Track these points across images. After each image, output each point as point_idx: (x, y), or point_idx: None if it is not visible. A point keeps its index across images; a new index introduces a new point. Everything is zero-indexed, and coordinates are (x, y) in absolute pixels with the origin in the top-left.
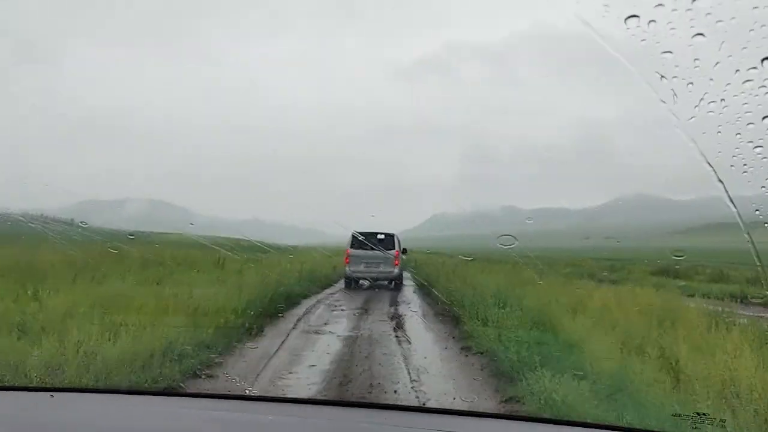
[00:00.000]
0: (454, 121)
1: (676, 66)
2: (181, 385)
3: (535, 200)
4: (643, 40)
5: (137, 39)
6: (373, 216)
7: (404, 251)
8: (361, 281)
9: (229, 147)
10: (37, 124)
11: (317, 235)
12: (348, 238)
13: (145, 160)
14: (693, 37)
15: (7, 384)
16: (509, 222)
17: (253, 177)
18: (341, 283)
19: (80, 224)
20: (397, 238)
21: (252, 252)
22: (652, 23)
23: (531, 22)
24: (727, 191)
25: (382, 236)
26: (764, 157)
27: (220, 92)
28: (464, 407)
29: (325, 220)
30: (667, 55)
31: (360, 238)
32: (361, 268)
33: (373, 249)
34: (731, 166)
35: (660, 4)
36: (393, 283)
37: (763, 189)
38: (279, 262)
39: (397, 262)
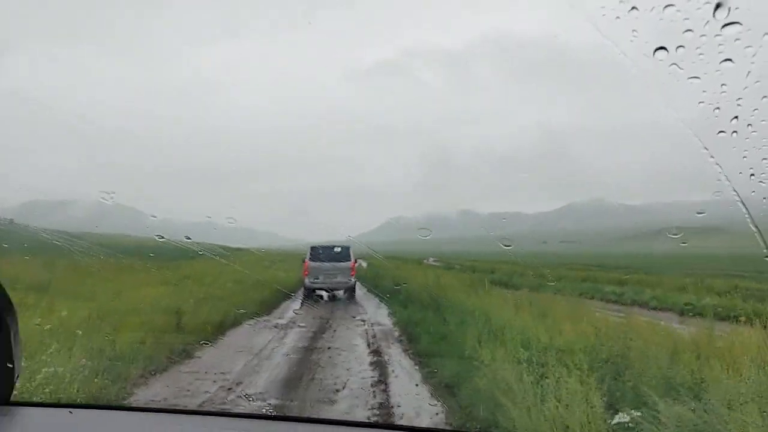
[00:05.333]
0: (411, 124)
1: (704, 91)
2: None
3: (491, 204)
4: (672, 64)
5: (84, 36)
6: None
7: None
8: (318, 292)
9: (181, 148)
10: None
11: (273, 238)
12: (304, 244)
13: (94, 160)
14: (721, 63)
15: (25, 400)
16: (466, 226)
17: (207, 178)
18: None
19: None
20: (351, 249)
21: (183, 257)
22: (681, 48)
23: (490, 28)
24: (751, 215)
25: (339, 248)
26: None
27: (172, 93)
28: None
29: (281, 223)
30: (694, 80)
31: (318, 251)
32: (320, 278)
33: (329, 261)
34: (752, 191)
35: (689, 30)
36: (347, 293)
37: None
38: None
39: (353, 272)
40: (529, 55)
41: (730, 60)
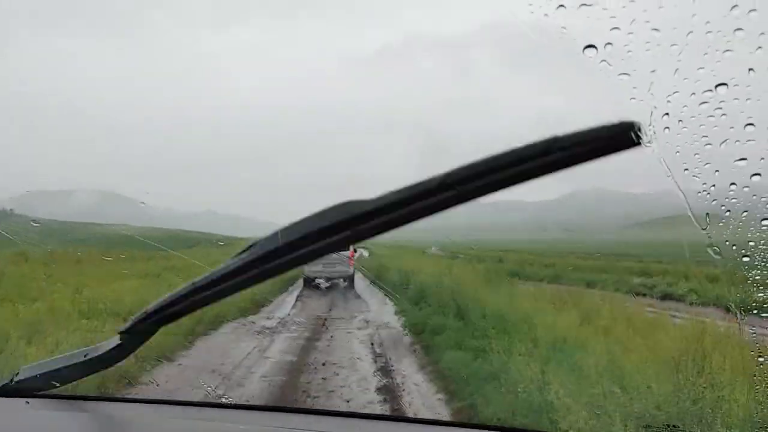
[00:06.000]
0: (411, 112)
1: (634, 88)
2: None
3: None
4: (603, 61)
5: (84, 27)
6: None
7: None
8: (317, 280)
9: (182, 137)
10: None
11: (275, 228)
12: None
13: (95, 150)
14: (650, 60)
15: None
16: (464, 214)
17: (208, 168)
18: None
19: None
20: None
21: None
22: (609, 46)
23: (490, 14)
24: (690, 209)
25: None
26: (716, 170)
27: (172, 81)
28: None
29: (281, 212)
30: (624, 77)
31: None
32: (319, 267)
33: None
34: (698, 197)
35: (616, 28)
36: (346, 281)
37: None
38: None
39: (351, 262)
40: (529, 42)
41: (655, 58)
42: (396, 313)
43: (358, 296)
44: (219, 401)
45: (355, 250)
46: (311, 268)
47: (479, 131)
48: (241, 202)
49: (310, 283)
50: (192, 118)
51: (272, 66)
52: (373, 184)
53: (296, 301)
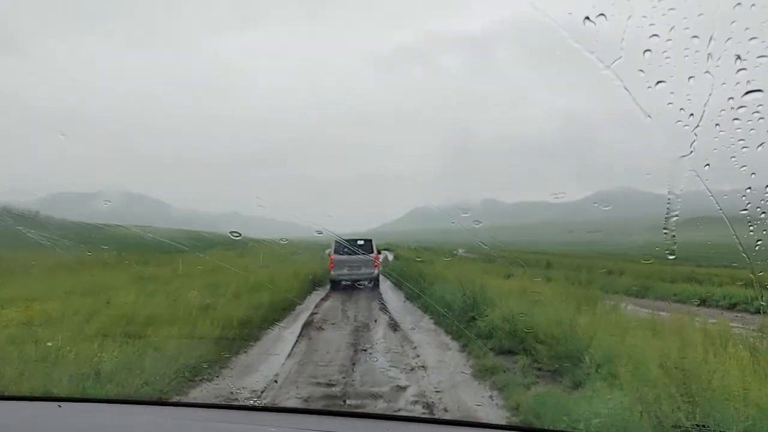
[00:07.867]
0: (434, 112)
1: (672, 93)
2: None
3: (516, 193)
4: (641, 71)
5: (107, 29)
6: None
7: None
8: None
9: (204, 138)
10: (4, 114)
11: (296, 228)
12: (326, 235)
13: (120, 152)
14: (689, 66)
15: (14, 394)
16: (490, 215)
17: (231, 169)
18: None
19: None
20: (374, 242)
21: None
22: (648, 53)
23: (511, 12)
24: (714, 198)
25: (362, 242)
26: (744, 159)
27: (194, 83)
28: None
29: (303, 213)
30: (661, 85)
31: (342, 244)
32: (345, 270)
33: (354, 253)
34: (733, 198)
35: (656, 35)
36: (371, 282)
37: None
38: None
39: (376, 264)
40: (552, 39)
41: (695, 64)
42: (481, 380)
43: (395, 327)
44: (233, 404)
45: (379, 252)
46: (337, 271)
47: (502, 129)
48: (265, 203)
49: (337, 285)
50: (214, 119)
51: (293, 66)
52: (397, 182)
53: (299, 336)
